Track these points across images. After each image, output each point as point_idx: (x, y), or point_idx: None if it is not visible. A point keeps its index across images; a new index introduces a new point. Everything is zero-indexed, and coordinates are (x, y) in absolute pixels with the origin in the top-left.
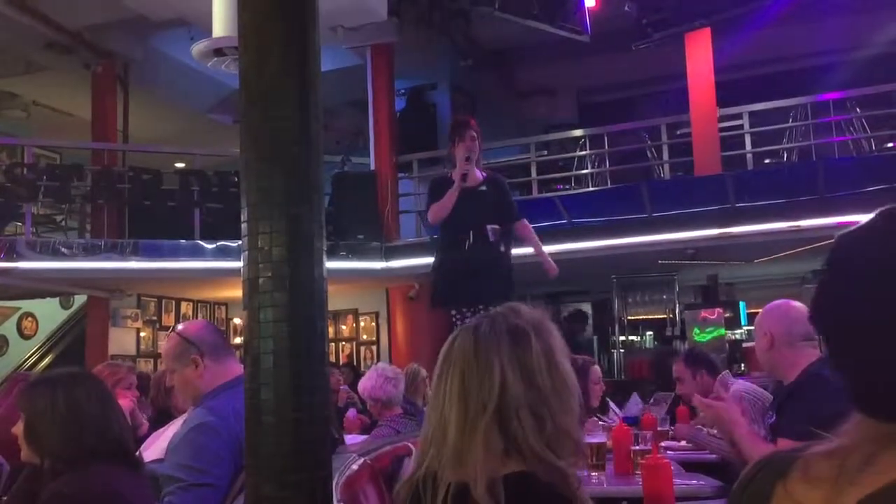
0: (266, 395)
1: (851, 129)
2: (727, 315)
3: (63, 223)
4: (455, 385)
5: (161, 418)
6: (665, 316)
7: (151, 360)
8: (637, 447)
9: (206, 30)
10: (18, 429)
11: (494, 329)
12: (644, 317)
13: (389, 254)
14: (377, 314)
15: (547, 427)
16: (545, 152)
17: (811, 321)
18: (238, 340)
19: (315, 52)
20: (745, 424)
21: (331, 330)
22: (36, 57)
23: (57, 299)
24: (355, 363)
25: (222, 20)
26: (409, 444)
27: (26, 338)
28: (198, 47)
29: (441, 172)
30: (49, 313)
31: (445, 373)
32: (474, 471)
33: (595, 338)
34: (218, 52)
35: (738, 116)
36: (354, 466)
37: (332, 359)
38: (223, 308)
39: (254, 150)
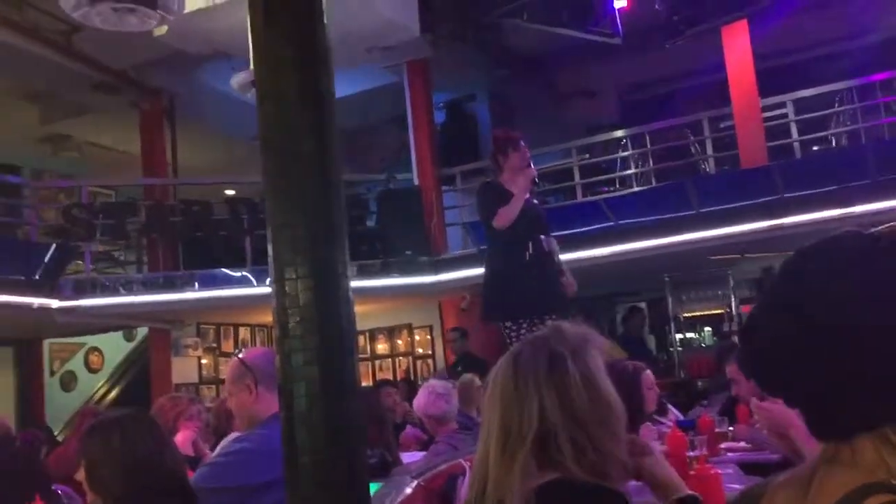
0: (301, 436)
1: None
2: None
3: (121, 258)
4: (497, 416)
5: None
6: (722, 311)
7: (214, 387)
8: (693, 453)
9: (246, 61)
10: (81, 475)
11: (534, 355)
12: (700, 313)
13: (438, 267)
14: (431, 327)
15: (588, 453)
16: (587, 155)
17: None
18: None
19: (331, 101)
20: (804, 429)
21: (386, 346)
22: (85, 99)
23: (120, 332)
24: (412, 377)
25: None
26: (464, 463)
27: (93, 371)
28: (237, 79)
29: (487, 181)
30: (114, 346)
31: (489, 403)
32: (511, 493)
33: (652, 337)
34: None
35: (782, 105)
36: (408, 490)
37: (389, 375)
38: None
39: (275, 198)
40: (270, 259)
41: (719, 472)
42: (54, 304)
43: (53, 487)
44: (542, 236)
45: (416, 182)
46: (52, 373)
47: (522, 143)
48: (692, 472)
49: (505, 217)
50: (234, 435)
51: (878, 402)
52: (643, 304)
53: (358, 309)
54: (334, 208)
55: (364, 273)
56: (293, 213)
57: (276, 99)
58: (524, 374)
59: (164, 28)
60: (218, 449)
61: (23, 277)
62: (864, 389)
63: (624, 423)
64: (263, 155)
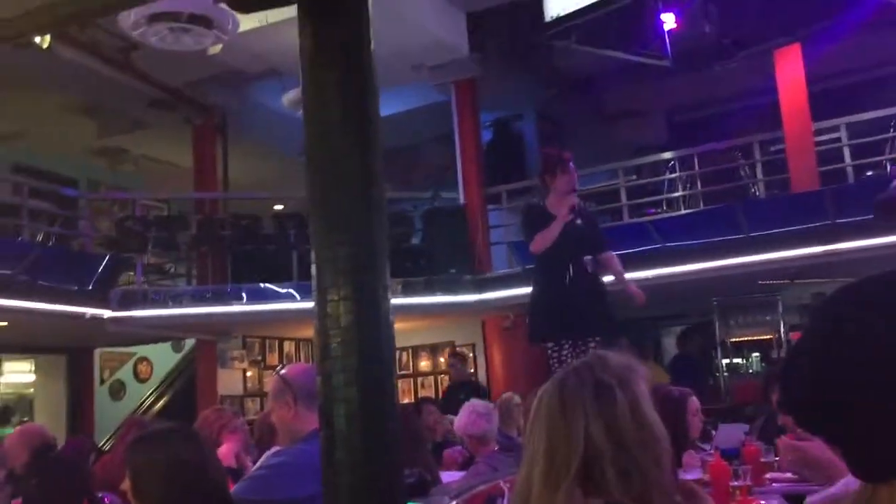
0: (341, 456)
1: None
2: None
3: (171, 270)
4: (542, 443)
5: None
6: (771, 337)
7: (258, 399)
8: (736, 483)
9: (297, 79)
10: (126, 485)
11: (580, 383)
12: (748, 338)
13: (482, 286)
14: (474, 346)
15: (634, 482)
16: (634, 176)
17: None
18: None
19: (376, 124)
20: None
21: (429, 363)
22: (141, 115)
23: (169, 343)
24: None
25: None
26: (503, 485)
27: (142, 381)
28: (289, 96)
29: (532, 202)
30: (162, 357)
31: (533, 428)
32: None
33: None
34: None
35: (835, 129)
36: None
37: (431, 392)
38: None
39: (319, 220)
40: (313, 280)
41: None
42: (106, 314)
43: (100, 495)
44: (588, 256)
45: (462, 200)
46: (102, 381)
47: (572, 165)
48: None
49: (540, 243)
50: (275, 449)
51: None
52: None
53: (401, 326)
54: (377, 231)
55: (408, 290)
56: (336, 235)
57: (321, 118)
58: (571, 401)
59: (219, 47)
60: (259, 462)
61: (76, 287)
62: None
63: (669, 453)
64: (308, 175)
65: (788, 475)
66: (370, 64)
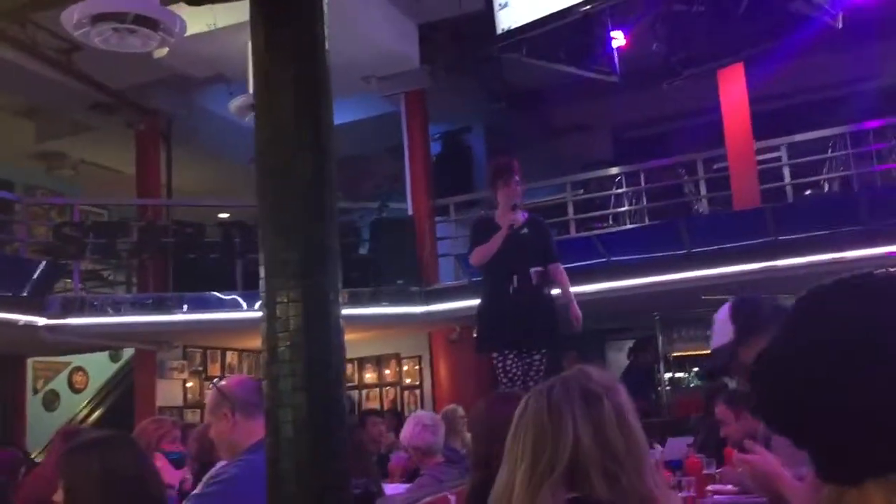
0: (286, 464)
1: (894, 157)
2: None
3: (110, 278)
4: (528, 445)
5: (204, 472)
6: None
7: (198, 411)
8: (680, 494)
9: (245, 84)
10: (59, 496)
11: (567, 391)
12: (690, 353)
13: (429, 298)
14: (420, 358)
15: (621, 483)
16: (581, 191)
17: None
18: None
19: (329, 125)
20: (790, 478)
21: (374, 375)
22: (82, 118)
23: (106, 353)
24: (399, 408)
25: None
26: (450, 496)
27: (77, 391)
28: (235, 103)
29: (482, 214)
30: (99, 367)
31: (518, 434)
32: None
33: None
34: (254, 106)
35: (776, 149)
36: None
37: (377, 404)
38: None
39: (269, 223)
40: (262, 282)
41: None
42: (41, 321)
43: None
44: (533, 269)
45: (410, 211)
46: (35, 391)
47: (517, 178)
48: None
49: (478, 257)
50: (221, 463)
51: (894, 448)
52: (630, 343)
53: (347, 337)
54: (328, 234)
55: (354, 300)
56: (286, 237)
57: (274, 121)
58: (558, 408)
59: (165, 50)
60: (205, 479)
61: (10, 294)
62: (882, 434)
63: (650, 462)
64: (258, 176)
65: (729, 487)
66: (324, 64)
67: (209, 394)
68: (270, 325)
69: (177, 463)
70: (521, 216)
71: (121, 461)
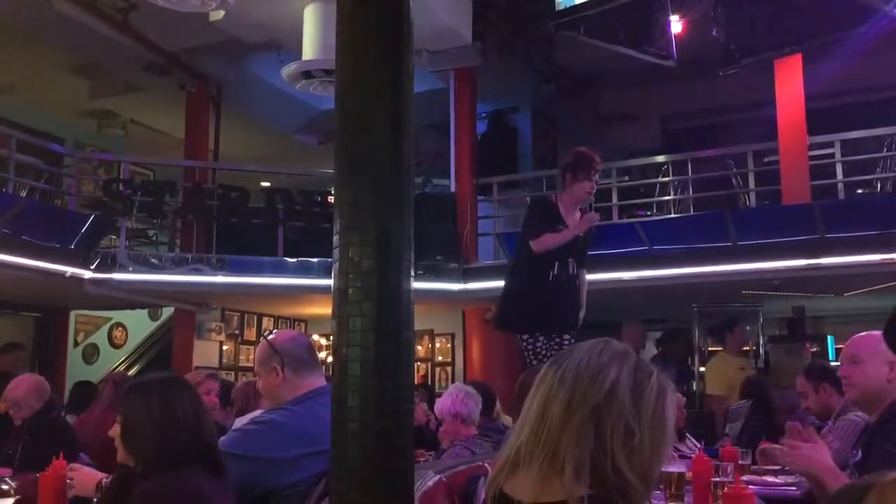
0: (353, 402)
1: None
2: (814, 349)
3: (154, 237)
4: (568, 379)
5: None
6: (748, 348)
7: (233, 373)
8: (717, 478)
9: (297, 53)
10: (115, 430)
11: (622, 354)
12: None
13: (467, 275)
14: (453, 335)
15: (635, 444)
16: (626, 178)
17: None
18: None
19: (409, 73)
20: (833, 469)
21: None
22: (134, 78)
23: (146, 311)
24: (430, 384)
25: (313, 44)
26: (486, 465)
27: (116, 347)
28: (288, 70)
29: (543, 196)
30: (138, 324)
31: (555, 373)
32: (565, 453)
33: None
34: (307, 74)
35: (829, 145)
36: (430, 482)
37: None
38: (303, 325)
39: (347, 166)
40: (336, 223)
41: (752, 490)
42: (86, 274)
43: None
44: (571, 258)
45: (453, 189)
46: (76, 344)
47: (597, 175)
48: (725, 491)
49: (544, 245)
50: (263, 409)
51: None
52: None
53: None
54: (405, 183)
55: None
56: (364, 183)
57: (354, 64)
58: (609, 356)
59: (221, 13)
60: (248, 416)
61: (58, 245)
62: None
63: (668, 454)
64: (338, 119)
65: (766, 478)
66: (407, 8)
67: (259, 346)
68: (342, 266)
69: None
70: (595, 217)
71: (179, 400)
